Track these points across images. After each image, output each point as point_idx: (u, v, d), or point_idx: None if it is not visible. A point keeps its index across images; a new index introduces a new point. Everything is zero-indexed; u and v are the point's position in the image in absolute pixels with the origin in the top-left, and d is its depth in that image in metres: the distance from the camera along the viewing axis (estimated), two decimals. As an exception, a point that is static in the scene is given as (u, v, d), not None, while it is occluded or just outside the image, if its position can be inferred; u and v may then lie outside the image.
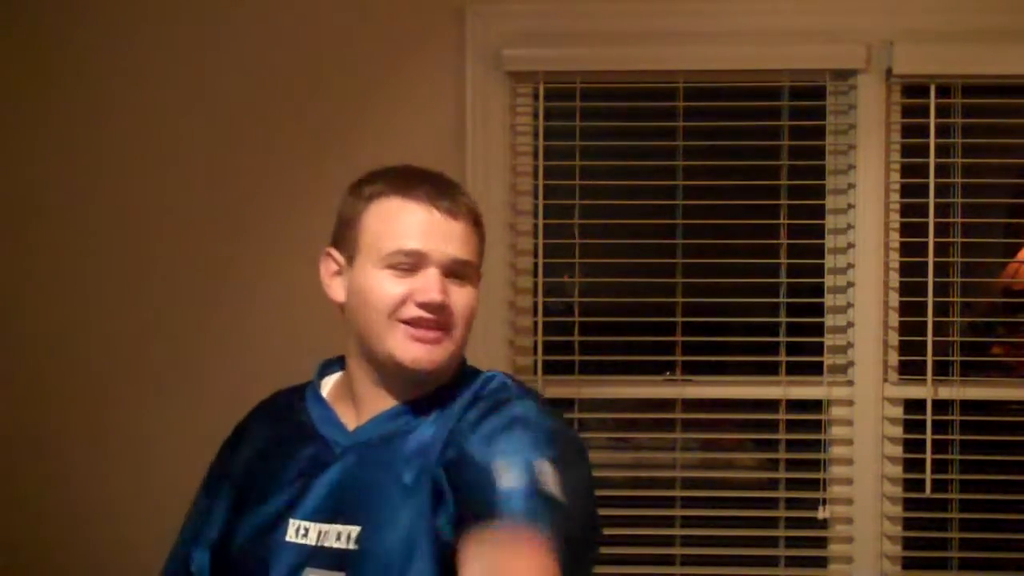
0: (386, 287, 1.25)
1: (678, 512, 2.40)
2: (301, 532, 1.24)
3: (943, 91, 2.35)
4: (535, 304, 2.39)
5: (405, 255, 1.24)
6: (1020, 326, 2.53)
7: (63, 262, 2.38)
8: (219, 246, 2.37)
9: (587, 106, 2.39)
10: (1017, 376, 2.47)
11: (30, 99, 2.38)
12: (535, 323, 2.39)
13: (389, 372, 1.29)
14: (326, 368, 1.43)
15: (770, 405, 2.40)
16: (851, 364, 2.39)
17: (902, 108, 2.38)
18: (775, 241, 2.40)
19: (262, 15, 2.38)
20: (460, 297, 1.28)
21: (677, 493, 2.40)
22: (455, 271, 1.28)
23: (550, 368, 2.39)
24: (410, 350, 1.25)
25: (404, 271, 1.25)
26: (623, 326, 2.43)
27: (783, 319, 2.40)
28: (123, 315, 2.37)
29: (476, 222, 1.31)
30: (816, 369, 2.41)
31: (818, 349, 2.41)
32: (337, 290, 1.32)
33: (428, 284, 1.24)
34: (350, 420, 1.32)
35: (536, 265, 2.39)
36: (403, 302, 1.25)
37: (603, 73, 2.39)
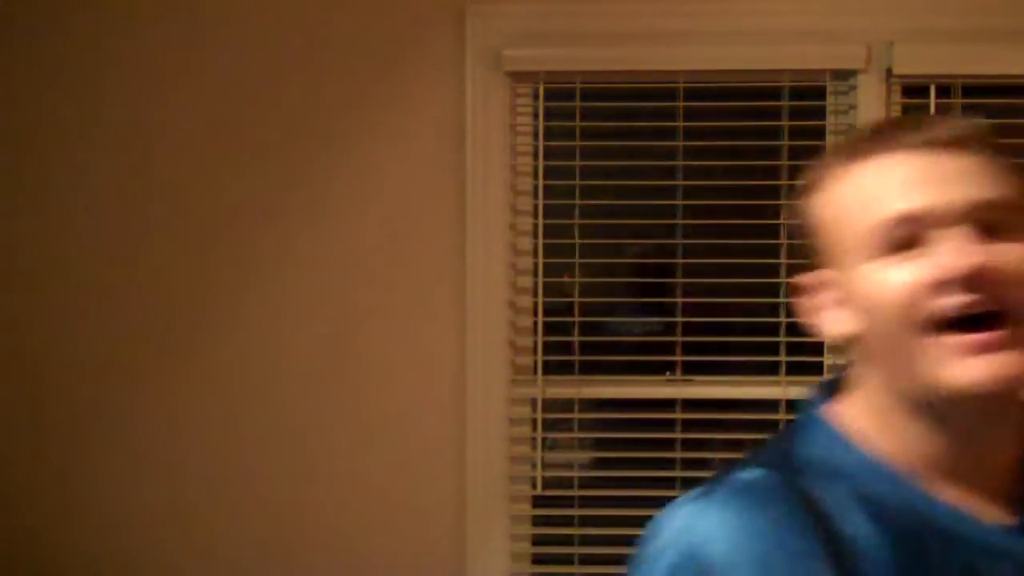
0: (888, 279, 0.84)
1: (678, 512, 2.39)
2: None
3: (943, 91, 2.35)
4: (535, 304, 2.39)
5: (896, 225, 0.84)
6: (1020, 326, 2.52)
7: (61, 261, 2.38)
8: (216, 247, 2.37)
9: (587, 106, 2.39)
10: (1017, 376, 2.47)
11: (27, 101, 2.38)
12: (535, 323, 2.39)
13: (959, 424, 0.85)
14: (818, 403, 0.97)
15: (770, 405, 2.40)
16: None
17: (902, 108, 2.37)
18: (775, 241, 2.40)
19: (261, 14, 2.37)
20: (1015, 256, 0.82)
21: (677, 493, 2.39)
22: (992, 223, 0.84)
23: (550, 368, 2.39)
24: (960, 369, 0.81)
25: (908, 249, 0.84)
26: (623, 326, 2.43)
27: (783, 319, 2.40)
28: (120, 317, 2.37)
29: (994, 150, 0.92)
30: (816, 369, 2.41)
31: (818, 349, 2.41)
32: (833, 321, 0.92)
33: (946, 247, 0.82)
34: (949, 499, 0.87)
35: (536, 265, 2.39)
36: (921, 294, 0.82)
37: (603, 73, 2.39)
